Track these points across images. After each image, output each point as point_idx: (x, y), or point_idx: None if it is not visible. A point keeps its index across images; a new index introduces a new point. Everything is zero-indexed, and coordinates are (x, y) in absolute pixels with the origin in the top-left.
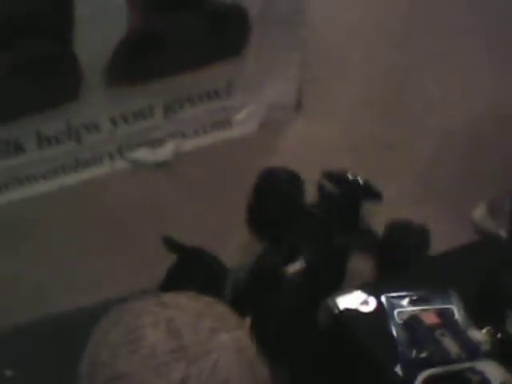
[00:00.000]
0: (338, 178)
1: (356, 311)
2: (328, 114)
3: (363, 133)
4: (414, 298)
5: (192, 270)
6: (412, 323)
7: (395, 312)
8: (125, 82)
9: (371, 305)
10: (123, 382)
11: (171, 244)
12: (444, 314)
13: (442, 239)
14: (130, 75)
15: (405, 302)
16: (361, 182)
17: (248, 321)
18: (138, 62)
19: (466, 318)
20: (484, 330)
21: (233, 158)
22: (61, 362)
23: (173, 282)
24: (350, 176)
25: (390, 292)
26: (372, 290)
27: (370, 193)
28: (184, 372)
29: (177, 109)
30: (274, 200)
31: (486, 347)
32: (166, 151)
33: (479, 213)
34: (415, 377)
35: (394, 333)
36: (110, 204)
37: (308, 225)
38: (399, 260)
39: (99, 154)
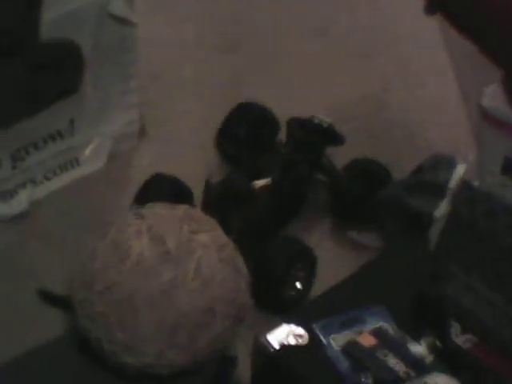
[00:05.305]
0: (303, 122)
1: (292, 346)
2: (170, 136)
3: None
4: (345, 320)
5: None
6: (351, 348)
7: (330, 339)
8: None
9: (305, 336)
10: (116, 290)
11: (48, 296)
12: (379, 333)
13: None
14: None
15: (337, 326)
16: (325, 125)
17: None
18: None
19: (401, 333)
20: (422, 342)
21: (85, 197)
22: None
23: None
24: (315, 120)
25: (319, 319)
26: (301, 320)
27: (333, 136)
28: (171, 274)
29: (24, 157)
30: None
31: (429, 359)
32: (19, 202)
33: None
34: None
35: (335, 361)
36: None
37: (274, 157)
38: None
39: None
